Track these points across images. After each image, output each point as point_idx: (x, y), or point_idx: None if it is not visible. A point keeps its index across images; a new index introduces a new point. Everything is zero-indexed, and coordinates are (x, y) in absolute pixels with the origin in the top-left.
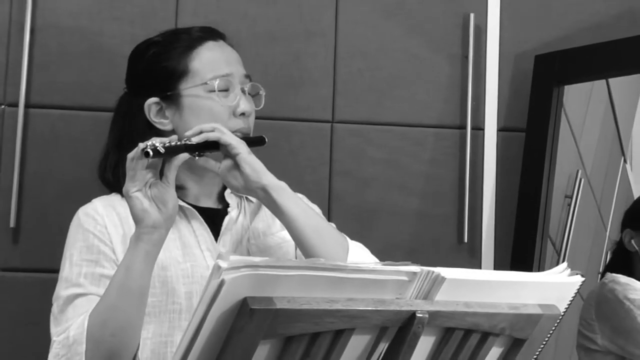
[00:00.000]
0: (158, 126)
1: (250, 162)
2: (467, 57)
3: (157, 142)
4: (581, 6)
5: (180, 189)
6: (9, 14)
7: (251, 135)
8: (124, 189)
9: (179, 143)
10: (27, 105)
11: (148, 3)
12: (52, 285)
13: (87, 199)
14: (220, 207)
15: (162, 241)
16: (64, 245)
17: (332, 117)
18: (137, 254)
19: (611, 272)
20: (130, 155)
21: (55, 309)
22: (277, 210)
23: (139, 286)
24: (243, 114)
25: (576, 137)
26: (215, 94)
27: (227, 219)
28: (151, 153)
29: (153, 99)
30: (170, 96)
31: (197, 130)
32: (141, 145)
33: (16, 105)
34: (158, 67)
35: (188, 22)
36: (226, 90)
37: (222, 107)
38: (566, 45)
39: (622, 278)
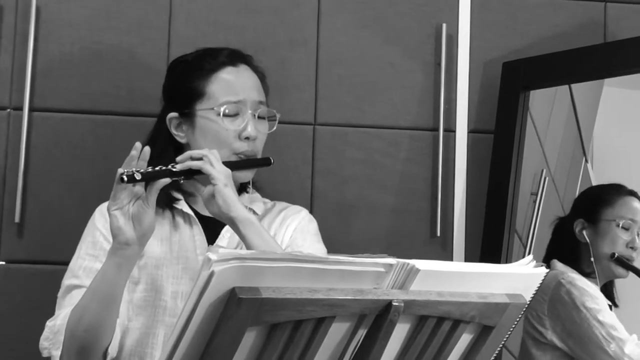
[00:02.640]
0: (176, 138)
1: (224, 194)
2: (439, 64)
3: (136, 168)
4: (545, 17)
5: (190, 195)
6: (14, 24)
7: (260, 156)
8: (107, 206)
9: (163, 168)
10: (31, 109)
11: (143, 14)
12: (54, 276)
13: (87, 196)
14: None
15: (135, 256)
16: (66, 239)
17: (314, 120)
18: (111, 264)
19: (558, 259)
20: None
21: (59, 293)
22: (243, 240)
23: (109, 293)
24: (248, 138)
25: (541, 139)
26: (221, 118)
27: (226, 227)
28: (125, 179)
29: (174, 114)
30: (187, 114)
31: (186, 156)
32: (120, 170)
33: (21, 109)
34: (181, 85)
35: (180, 33)
36: (236, 114)
37: (227, 131)
38: (531, 53)
39: (579, 280)
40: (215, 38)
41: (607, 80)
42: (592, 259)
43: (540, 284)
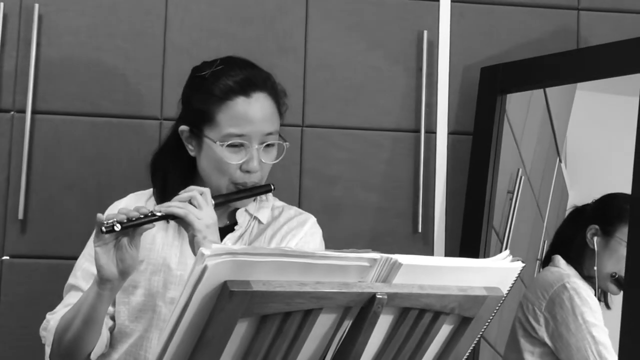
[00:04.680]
0: (187, 149)
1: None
2: (421, 69)
3: (117, 219)
4: (521, 24)
5: None
6: (17, 30)
7: (263, 182)
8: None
9: (148, 214)
10: (34, 112)
11: (139, 22)
12: (55, 270)
13: (86, 194)
14: (228, 223)
15: (116, 288)
16: (66, 235)
17: (302, 122)
18: (92, 292)
19: (562, 255)
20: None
21: (64, 287)
22: None
23: (90, 314)
24: (248, 171)
25: (517, 140)
26: (224, 149)
27: (229, 235)
28: (104, 230)
29: (185, 127)
30: (196, 133)
31: (166, 204)
32: (101, 218)
33: (24, 111)
34: (193, 104)
35: (175, 40)
36: (240, 145)
37: (228, 162)
38: (508, 59)
39: (584, 290)
40: (208, 45)
41: (579, 85)
42: (595, 268)
43: (517, 276)
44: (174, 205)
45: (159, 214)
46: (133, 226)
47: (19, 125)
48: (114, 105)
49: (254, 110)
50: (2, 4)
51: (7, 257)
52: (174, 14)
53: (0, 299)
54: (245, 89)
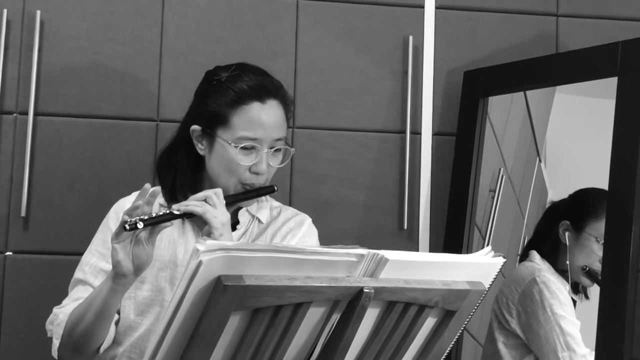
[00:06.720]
0: (197, 148)
1: None
2: (406, 72)
3: (139, 217)
4: (503, 30)
5: None
6: (20, 36)
7: (267, 184)
8: (111, 237)
9: (166, 212)
10: (36, 114)
11: (137, 27)
12: (56, 265)
13: (86, 192)
14: (231, 222)
15: (130, 283)
16: (67, 231)
17: (292, 124)
18: (106, 287)
19: (538, 250)
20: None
21: (71, 281)
22: None
23: (103, 309)
24: (257, 173)
25: (499, 141)
26: (237, 151)
27: (232, 233)
28: (128, 228)
29: (197, 127)
30: (209, 133)
31: (184, 203)
32: (125, 217)
33: (26, 113)
34: (208, 106)
35: (171, 44)
36: (251, 148)
37: (239, 165)
38: (490, 63)
39: (553, 283)
40: (203, 50)
41: (558, 88)
42: (567, 262)
43: (499, 271)
44: (193, 204)
45: (177, 212)
46: (154, 224)
47: (21, 126)
48: (112, 107)
49: (267, 116)
50: (5, 10)
51: (10, 253)
52: (170, 19)
53: (3, 294)
54: (260, 94)
